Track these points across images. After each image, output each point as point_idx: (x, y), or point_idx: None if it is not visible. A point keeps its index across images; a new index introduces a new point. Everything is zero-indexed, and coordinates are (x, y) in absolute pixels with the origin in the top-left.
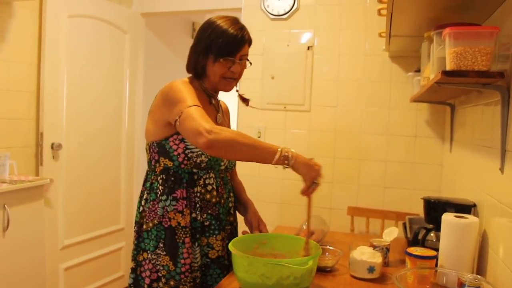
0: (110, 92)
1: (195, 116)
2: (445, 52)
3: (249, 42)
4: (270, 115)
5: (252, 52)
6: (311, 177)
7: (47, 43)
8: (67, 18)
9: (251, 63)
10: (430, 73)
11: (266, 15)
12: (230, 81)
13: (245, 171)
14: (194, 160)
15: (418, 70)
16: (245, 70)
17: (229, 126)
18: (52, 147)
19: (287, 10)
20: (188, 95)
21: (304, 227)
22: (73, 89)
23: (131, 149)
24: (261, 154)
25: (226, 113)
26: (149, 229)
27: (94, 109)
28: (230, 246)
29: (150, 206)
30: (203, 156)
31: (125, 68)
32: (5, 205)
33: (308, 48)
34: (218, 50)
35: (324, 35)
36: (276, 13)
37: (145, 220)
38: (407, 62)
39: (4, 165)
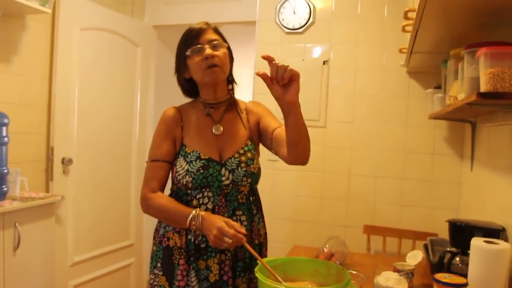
0: (121, 105)
1: (145, 177)
2: (478, 72)
3: (213, 28)
4: None
5: (266, 66)
6: (212, 243)
7: (59, 56)
8: (79, 31)
9: (229, 46)
10: (458, 92)
11: (281, 28)
12: (211, 69)
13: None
14: (181, 181)
15: (438, 87)
16: (259, 85)
17: (254, 129)
18: (62, 162)
19: (302, 24)
20: (155, 144)
21: (325, 249)
22: (84, 103)
23: (142, 163)
24: (178, 220)
25: (251, 113)
26: (155, 248)
27: (105, 123)
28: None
29: (157, 227)
30: (187, 176)
31: (136, 81)
32: (16, 223)
33: (324, 62)
34: (183, 49)
35: (340, 49)
36: (291, 27)
37: (154, 240)
38: (425, 78)
39: (15, 181)
